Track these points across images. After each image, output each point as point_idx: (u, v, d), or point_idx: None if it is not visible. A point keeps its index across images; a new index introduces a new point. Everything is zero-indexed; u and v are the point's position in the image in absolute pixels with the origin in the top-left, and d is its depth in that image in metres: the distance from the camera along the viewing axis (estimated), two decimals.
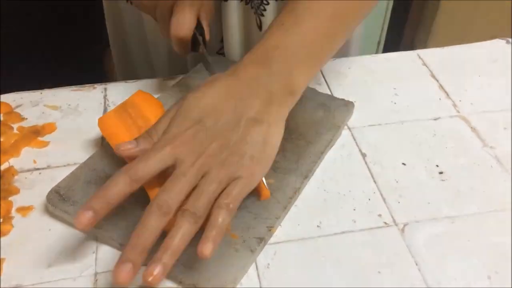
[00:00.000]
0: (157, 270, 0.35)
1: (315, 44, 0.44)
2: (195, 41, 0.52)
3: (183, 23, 0.49)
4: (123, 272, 0.35)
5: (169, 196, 0.38)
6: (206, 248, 0.36)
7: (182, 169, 0.39)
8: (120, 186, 0.38)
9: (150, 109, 0.48)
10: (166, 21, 0.51)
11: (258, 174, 0.41)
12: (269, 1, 0.60)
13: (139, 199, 0.43)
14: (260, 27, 0.62)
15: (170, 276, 0.39)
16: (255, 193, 0.44)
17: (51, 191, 0.44)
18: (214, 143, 0.40)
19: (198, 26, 0.51)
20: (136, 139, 0.42)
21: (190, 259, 0.40)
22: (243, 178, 0.40)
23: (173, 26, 0.50)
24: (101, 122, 0.48)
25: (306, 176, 0.46)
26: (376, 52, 1.38)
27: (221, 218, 0.38)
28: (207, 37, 0.53)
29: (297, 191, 0.45)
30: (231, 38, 0.63)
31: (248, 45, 0.64)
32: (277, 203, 0.44)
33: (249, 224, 0.42)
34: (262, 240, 0.41)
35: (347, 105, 0.54)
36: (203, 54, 0.53)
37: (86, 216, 0.37)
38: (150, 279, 0.35)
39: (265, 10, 0.60)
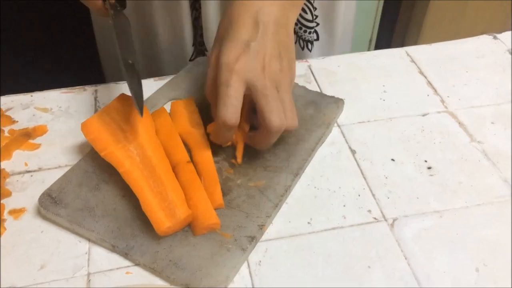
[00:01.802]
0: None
1: None
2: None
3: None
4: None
5: (280, 115, 0.43)
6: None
7: (261, 83, 0.43)
8: (226, 136, 0.45)
9: (134, 113, 0.47)
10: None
11: (295, 69, 0.47)
12: None
13: (131, 201, 0.44)
14: None
15: (162, 275, 0.40)
16: (244, 192, 0.45)
17: (43, 194, 0.45)
18: (266, 56, 0.44)
19: None
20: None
21: (182, 259, 0.40)
22: (291, 77, 0.46)
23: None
24: (84, 127, 0.47)
25: (297, 174, 0.47)
26: (368, 50, 1.39)
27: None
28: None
29: (288, 189, 0.46)
30: (211, 26, 0.64)
31: None
32: (268, 201, 0.44)
33: (240, 223, 0.43)
34: (253, 239, 0.42)
35: (337, 102, 0.54)
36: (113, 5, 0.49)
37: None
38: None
39: None
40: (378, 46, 1.52)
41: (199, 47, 0.70)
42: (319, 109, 0.53)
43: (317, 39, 0.71)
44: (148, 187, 0.42)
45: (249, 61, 0.43)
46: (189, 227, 0.42)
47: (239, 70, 0.42)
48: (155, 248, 0.41)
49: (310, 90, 0.56)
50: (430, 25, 1.50)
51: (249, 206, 0.44)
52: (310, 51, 0.72)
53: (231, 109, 0.42)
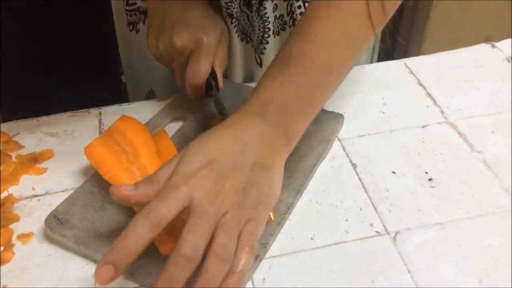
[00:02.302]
0: None
1: (309, 96, 0.45)
2: (209, 86, 0.55)
3: (199, 70, 0.53)
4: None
5: (196, 241, 0.36)
6: None
7: (202, 208, 0.38)
8: (141, 234, 0.36)
9: (136, 135, 0.49)
10: (183, 71, 0.54)
11: (264, 218, 0.41)
12: (269, 40, 0.62)
13: None
14: (260, 64, 0.64)
15: None
16: None
17: (49, 215, 0.46)
18: (227, 184, 0.39)
19: (212, 73, 0.54)
20: (135, 184, 0.40)
21: (188, 278, 0.41)
22: (255, 221, 0.40)
23: (189, 73, 0.53)
24: (87, 151, 0.49)
25: (299, 191, 0.47)
26: (371, 59, 1.39)
27: (244, 260, 0.37)
28: (221, 84, 0.55)
29: (290, 207, 0.46)
30: (234, 76, 0.66)
31: (249, 79, 0.67)
32: (271, 220, 0.45)
33: None
34: (257, 257, 0.42)
35: (337, 118, 0.55)
36: (216, 97, 0.55)
37: (107, 271, 0.35)
38: None
39: (265, 49, 0.63)
40: (381, 54, 1.53)
41: None
42: (319, 125, 0.54)
43: None
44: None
45: (205, 181, 0.38)
46: None
47: (191, 184, 0.38)
48: (161, 267, 0.41)
49: None
50: (432, 30, 1.51)
51: None
52: None
53: (164, 210, 0.37)
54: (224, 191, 0.39)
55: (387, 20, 0.48)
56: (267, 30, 0.61)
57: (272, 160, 0.42)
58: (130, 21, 0.67)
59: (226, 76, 0.67)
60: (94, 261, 0.43)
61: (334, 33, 0.46)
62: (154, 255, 0.42)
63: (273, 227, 0.44)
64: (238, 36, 0.62)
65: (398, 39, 1.62)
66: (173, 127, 0.56)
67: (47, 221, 0.45)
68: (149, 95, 0.73)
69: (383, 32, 1.08)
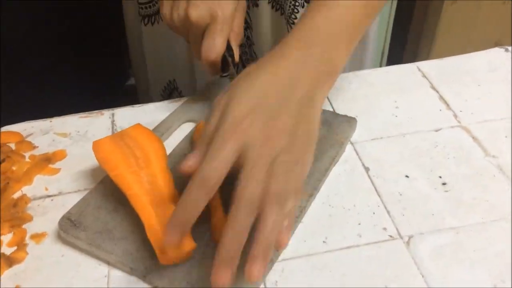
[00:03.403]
0: (256, 268, 0.36)
1: (352, 24, 0.45)
2: (225, 62, 0.54)
3: (214, 47, 0.52)
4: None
5: (255, 186, 0.36)
6: (255, 269, 0.36)
7: (256, 152, 0.37)
8: (196, 201, 0.36)
9: (149, 143, 0.48)
10: (198, 44, 0.54)
11: (311, 158, 0.41)
12: (299, 10, 0.61)
13: None
14: None
15: None
16: None
17: (62, 217, 0.46)
18: (275, 128, 0.38)
19: (228, 48, 0.53)
20: (194, 152, 0.39)
21: (200, 282, 0.41)
22: (301, 163, 0.39)
23: (204, 50, 0.52)
24: (95, 146, 0.48)
25: (311, 195, 0.47)
26: (381, 62, 1.39)
27: (293, 205, 0.38)
28: (237, 59, 0.54)
29: (302, 210, 0.46)
30: (263, 44, 0.65)
31: (277, 31, 0.64)
32: None
33: None
34: (269, 261, 0.42)
35: (350, 121, 0.55)
36: (232, 75, 0.55)
37: (174, 235, 0.37)
38: (253, 278, 0.36)
39: (296, 18, 0.61)
40: (390, 58, 1.53)
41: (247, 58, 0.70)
42: (332, 128, 0.53)
43: None
44: (155, 214, 0.43)
45: (255, 125, 0.38)
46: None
47: (241, 132, 0.38)
48: (173, 270, 0.41)
49: (323, 109, 0.56)
50: (442, 35, 1.50)
51: None
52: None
53: (217, 165, 0.37)
54: (273, 134, 0.38)
55: None
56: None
57: (316, 95, 0.42)
58: (145, 14, 0.67)
59: (252, 51, 0.66)
60: (107, 262, 0.44)
61: None
62: (131, 236, 0.42)
63: None
64: (269, 3, 0.61)
65: (408, 43, 1.61)
66: (185, 129, 0.56)
67: (61, 223, 0.45)
68: (169, 85, 0.73)
69: (392, 37, 1.08)
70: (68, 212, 0.46)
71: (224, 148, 0.37)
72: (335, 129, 0.53)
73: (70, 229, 0.45)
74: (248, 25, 0.66)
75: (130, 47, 0.78)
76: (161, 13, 0.56)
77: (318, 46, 0.43)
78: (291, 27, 0.62)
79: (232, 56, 0.54)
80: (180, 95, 0.76)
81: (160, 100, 0.76)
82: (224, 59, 0.53)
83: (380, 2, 0.49)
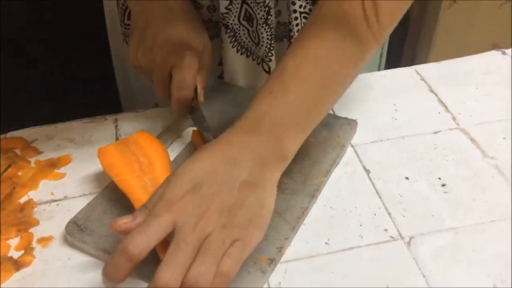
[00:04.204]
0: None
1: (303, 111, 0.45)
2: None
3: (185, 82, 0.52)
4: None
5: (171, 274, 0.36)
6: None
7: (182, 235, 0.37)
8: (122, 267, 0.37)
9: (153, 149, 0.49)
10: (165, 83, 0.54)
11: (256, 237, 0.40)
12: (274, 46, 0.61)
13: None
14: (269, 71, 0.63)
15: None
16: None
17: (69, 222, 0.47)
18: (212, 206, 0.39)
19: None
20: (133, 213, 0.40)
21: None
22: (242, 241, 0.39)
23: (175, 87, 0.52)
24: (100, 153, 0.49)
25: (313, 196, 0.48)
26: (379, 65, 1.40)
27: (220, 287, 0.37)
28: (201, 99, 0.55)
29: (305, 211, 0.47)
30: (236, 82, 0.65)
31: (247, 71, 0.65)
32: (286, 223, 0.45)
33: (259, 245, 0.44)
34: (272, 261, 0.43)
35: (350, 124, 0.55)
36: (196, 111, 0.55)
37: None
38: None
39: (272, 55, 0.62)
40: (388, 61, 1.54)
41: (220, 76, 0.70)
42: (333, 131, 0.54)
43: None
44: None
45: (189, 205, 0.38)
46: None
47: (174, 211, 0.38)
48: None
49: None
50: (440, 37, 1.52)
51: (268, 228, 0.45)
52: None
53: (143, 240, 0.37)
54: (208, 214, 0.38)
55: (384, 37, 0.47)
56: (273, 37, 0.61)
57: (262, 177, 0.41)
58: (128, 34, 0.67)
59: (222, 70, 0.66)
60: None
61: (329, 51, 0.45)
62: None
63: (288, 231, 0.45)
64: (235, 48, 0.62)
65: (406, 46, 1.62)
66: (188, 135, 0.57)
67: (68, 227, 0.46)
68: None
69: (391, 39, 1.08)
70: (75, 217, 0.47)
71: (153, 225, 0.37)
72: (336, 131, 0.54)
73: (77, 233, 0.46)
74: (221, 62, 0.66)
75: (115, 68, 0.78)
76: (128, 53, 0.55)
77: (264, 133, 0.43)
78: (268, 66, 0.63)
79: (195, 93, 0.54)
80: None
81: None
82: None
83: (338, 89, 0.47)
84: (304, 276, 0.43)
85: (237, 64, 0.63)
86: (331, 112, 0.59)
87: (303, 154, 0.51)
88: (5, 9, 1.10)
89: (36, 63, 1.20)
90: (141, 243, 0.37)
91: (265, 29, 0.60)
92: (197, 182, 0.39)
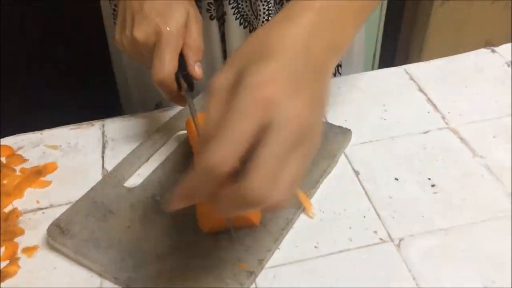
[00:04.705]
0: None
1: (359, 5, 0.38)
2: (187, 80, 0.50)
3: (162, 66, 0.48)
4: None
5: (266, 184, 0.29)
6: None
7: (277, 139, 0.30)
8: (202, 192, 0.31)
9: None
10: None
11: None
12: None
13: (135, 232, 0.45)
14: None
15: None
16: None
17: (52, 224, 0.46)
18: (306, 97, 0.31)
19: (181, 66, 0.49)
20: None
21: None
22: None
23: (153, 72, 0.48)
24: (188, 124, 0.52)
25: (299, 207, 0.47)
26: (373, 65, 1.39)
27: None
28: (198, 77, 0.50)
29: (289, 222, 0.46)
30: (234, 42, 0.64)
31: None
32: (269, 235, 0.44)
33: (240, 257, 0.43)
34: (252, 274, 0.42)
35: (345, 133, 0.54)
36: (187, 93, 0.50)
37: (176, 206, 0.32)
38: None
39: None
40: (381, 61, 1.54)
41: None
42: (326, 140, 0.53)
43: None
44: None
45: (283, 90, 0.30)
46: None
47: (267, 98, 0.29)
48: (155, 281, 0.42)
49: None
50: (433, 36, 1.51)
51: (251, 239, 0.44)
52: (340, 74, 0.70)
53: (230, 148, 0.29)
54: (303, 107, 0.31)
55: None
56: (271, 13, 0.59)
57: (329, 63, 0.36)
58: None
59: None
60: (100, 274, 0.44)
61: None
62: (151, 266, 0.42)
63: (270, 242, 0.44)
64: (238, 21, 0.60)
65: (399, 45, 1.62)
66: (180, 138, 0.57)
67: (49, 229, 0.46)
68: (158, 107, 0.73)
69: (383, 39, 1.08)
70: (58, 219, 0.46)
71: (241, 125, 0.29)
72: (328, 140, 0.53)
73: (58, 236, 0.45)
74: (223, 39, 0.65)
75: (115, 68, 0.77)
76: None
77: (328, 17, 0.35)
78: None
79: (185, 75, 0.49)
80: None
81: None
82: (184, 78, 0.49)
83: None
84: (294, 281, 0.42)
85: (240, 40, 0.62)
86: (325, 120, 0.58)
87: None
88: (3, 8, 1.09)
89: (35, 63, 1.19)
90: (228, 156, 0.29)
91: (261, 2, 0.59)
92: (285, 65, 0.31)
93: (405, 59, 1.61)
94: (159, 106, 0.72)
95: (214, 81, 0.33)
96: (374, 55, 1.59)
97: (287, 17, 0.35)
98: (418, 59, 1.51)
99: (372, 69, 1.32)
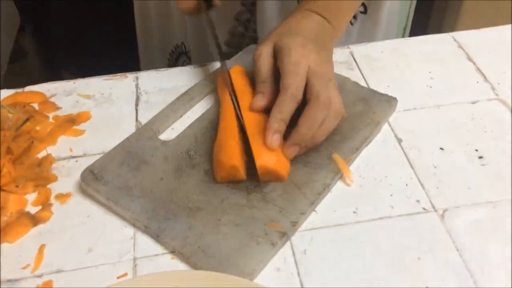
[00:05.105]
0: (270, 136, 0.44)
1: None
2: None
3: None
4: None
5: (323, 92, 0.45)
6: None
7: (321, 75, 0.45)
8: (290, 111, 0.45)
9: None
10: None
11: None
12: None
13: (168, 184, 0.44)
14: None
15: (189, 262, 0.40)
16: (281, 187, 0.44)
17: (85, 170, 0.45)
18: (329, 61, 0.48)
19: None
20: (258, 93, 0.47)
21: (211, 246, 0.40)
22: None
23: None
24: (220, 76, 0.53)
25: (337, 173, 0.45)
26: (403, 34, 1.34)
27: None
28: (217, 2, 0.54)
29: (326, 188, 0.44)
30: (266, 20, 0.64)
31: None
32: (304, 198, 0.43)
33: (273, 217, 0.42)
34: (284, 235, 0.41)
35: (390, 101, 0.51)
36: (206, 11, 0.53)
37: (277, 139, 0.44)
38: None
39: None
40: (413, 32, 1.48)
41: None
42: (369, 106, 0.50)
43: (364, 11, 0.68)
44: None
45: (309, 51, 0.45)
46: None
47: (307, 56, 0.45)
48: (186, 233, 0.41)
49: (363, 87, 0.53)
50: (469, 6, 1.45)
51: (284, 201, 0.43)
52: (352, 24, 0.69)
53: (299, 81, 0.44)
54: (327, 65, 0.47)
55: None
56: None
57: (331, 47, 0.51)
58: None
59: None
60: (133, 224, 0.43)
61: None
62: (181, 219, 0.42)
63: (305, 206, 0.43)
64: None
65: (432, 15, 1.56)
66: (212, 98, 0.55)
67: (83, 174, 0.45)
68: (177, 50, 0.71)
69: (416, 10, 1.03)
70: (92, 165, 0.46)
71: (300, 66, 0.45)
72: (372, 107, 0.50)
73: (92, 181, 0.44)
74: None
75: (136, 10, 0.76)
76: None
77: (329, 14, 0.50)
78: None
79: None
80: (189, 60, 0.74)
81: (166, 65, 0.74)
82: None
83: None
84: (331, 245, 0.41)
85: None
86: (361, 78, 0.56)
87: (333, 129, 0.48)
88: None
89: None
90: (299, 84, 0.45)
91: None
92: (312, 38, 0.48)
93: (439, 29, 1.55)
94: (177, 48, 0.71)
95: (258, 49, 0.48)
96: (405, 29, 1.54)
97: (303, 16, 0.50)
98: (452, 29, 1.46)
99: (403, 36, 1.27)
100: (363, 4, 0.68)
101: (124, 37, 0.85)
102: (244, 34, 0.68)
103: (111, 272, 0.40)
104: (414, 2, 1.45)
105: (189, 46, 0.73)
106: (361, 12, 0.69)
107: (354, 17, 0.69)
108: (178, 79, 0.57)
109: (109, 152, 0.47)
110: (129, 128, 0.51)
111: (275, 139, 0.44)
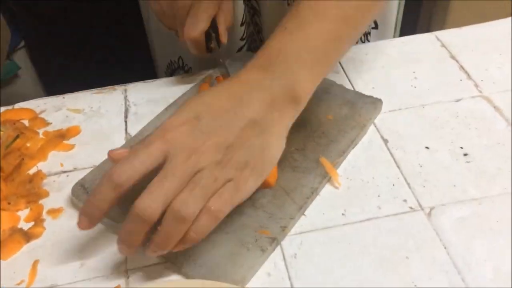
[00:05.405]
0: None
1: (319, 49, 0.41)
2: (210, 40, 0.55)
3: (196, 23, 0.52)
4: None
5: (152, 201, 0.35)
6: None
7: (172, 165, 0.35)
8: (104, 194, 0.36)
9: None
10: (184, 25, 0.53)
11: (250, 183, 0.39)
12: None
13: None
14: None
15: (181, 271, 0.40)
16: (270, 192, 0.44)
17: (76, 184, 0.46)
18: (209, 141, 0.37)
19: (213, 27, 0.54)
20: (131, 146, 0.40)
21: (202, 256, 0.40)
22: (236, 183, 0.37)
23: (187, 27, 0.52)
24: (202, 88, 0.54)
25: (325, 176, 0.46)
26: (393, 35, 1.35)
27: (205, 225, 0.37)
28: (224, 40, 0.54)
29: (314, 191, 0.45)
30: (272, 31, 0.64)
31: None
32: (293, 203, 0.44)
33: (263, 223, 0.42)
34: (274, 240, 0.41)
35: (375, 103, 0.52)
36: (215, 51, 0.55)
37: (84, 222, 0.38)
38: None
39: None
40: (403, 31, 1.49)
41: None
42: (355, 109, 0.51)
43: (376, 27, 0.69)
44: None
45: (185, 135, 0.36)
46: None
47: (169, 140, 0.36)
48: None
49: (348, 89, 0.54)
50: (457, 6, 1.46)
51: (274, 207, 0.43)
52: (369, 41, 0.69)
53: (129, 169, 0.36)
54: (204, 148, 0.36)
55: None
56: None
57: (270, 120, 0.39)
58: None
59: (261, 31, 0.66)
60: (114, 232, 0.43)
61: None
62: None
63: (294, 210, 0.43)
64: None
65: (422, 12, 1.57)
66: None
67: (74, 189, 0.46)
68: (173, 65, 0.72)
69: (405, 9, 1.05)
70: (82, 179, 0.46)
71: (141, 154, 0.36)
72: (358, 110, 0.51)
73: (82, 195, 0.45)
74: (255, 11, 0.65)
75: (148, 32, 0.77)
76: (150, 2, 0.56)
77: (277, 71, 0.40)
78: None
79: (216, 32, 0.54)
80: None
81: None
82: (209, 37, 0.54)
83: (357, 25, 0.44)
84: (320, 248, 0.42)
85: (274, 10, 0.62)
86: (346, 81, 0.56)
87: (319, 132, 0.49)
88: None
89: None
90: (126, 172, 0.36)
91: None
92: (198, 114, 0.37)
93: (427, 28, 1.56)
94: (174, 63, 0.72)
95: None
96: (395, 26, 1.55)
97: (232, 78, 0.42)
98: (442, 27, 1.47)
99: (393, 37, 1.28)
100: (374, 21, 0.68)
101: (117, 49, 0.85)
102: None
103: (105, 285, 0.40)
104: (403, 2, 1.46)
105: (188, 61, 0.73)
106: (373, 28, 0.69)
107: (367, 33, 0.68)
108: (166, 89, 0.58)
109: (99, 165, 0.48)
110: (119, 141, 0.52)
111: (122, 250, 0.38)
